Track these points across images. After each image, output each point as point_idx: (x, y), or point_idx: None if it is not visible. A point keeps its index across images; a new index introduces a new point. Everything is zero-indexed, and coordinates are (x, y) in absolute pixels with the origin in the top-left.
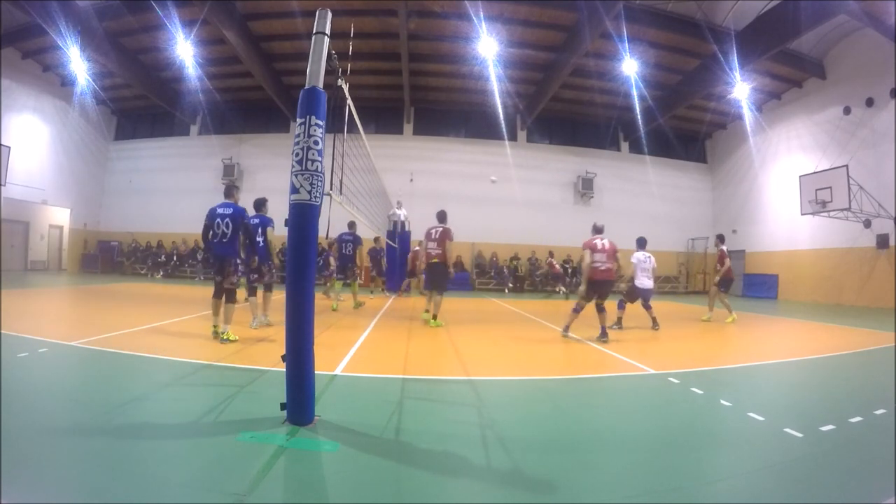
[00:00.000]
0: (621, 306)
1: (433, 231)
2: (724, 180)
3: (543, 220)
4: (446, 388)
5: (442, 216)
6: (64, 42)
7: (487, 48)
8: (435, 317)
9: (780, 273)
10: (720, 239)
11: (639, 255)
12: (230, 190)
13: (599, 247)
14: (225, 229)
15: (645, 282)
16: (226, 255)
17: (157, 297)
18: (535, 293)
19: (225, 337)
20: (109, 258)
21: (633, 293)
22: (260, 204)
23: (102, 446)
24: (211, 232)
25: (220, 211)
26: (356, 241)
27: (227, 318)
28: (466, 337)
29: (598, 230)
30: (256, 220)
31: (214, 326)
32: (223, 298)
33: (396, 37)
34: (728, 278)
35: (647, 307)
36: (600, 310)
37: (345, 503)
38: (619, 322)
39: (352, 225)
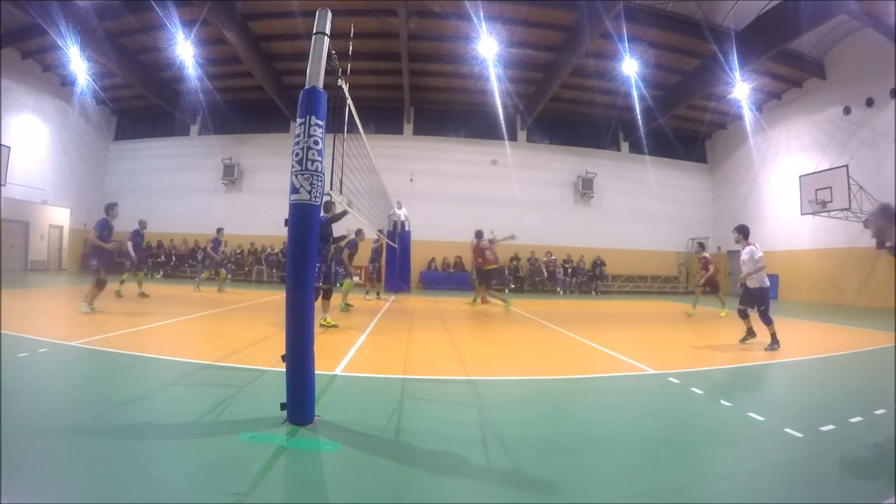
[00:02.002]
0: (768, 320)
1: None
2: (724, 180)
3: (543, 220)
4: (446, 388)
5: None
6: (64, 42)
7: (487, 48)
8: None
9: (780, 273)
10: (702, 246)
11: (755, 250)
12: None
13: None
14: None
15: (766, 280)
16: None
17: (157, 297)
18: (536, 293)
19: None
20: (109, 258)
21: (764, 297)
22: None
23: (102, 446)
24: None
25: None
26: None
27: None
28: (466, 337)
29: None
30: None
31: None
32: None
33: (396, 37)
34: (714, 281)
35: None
36: None
37: (345, 503)
38: (774, 339)
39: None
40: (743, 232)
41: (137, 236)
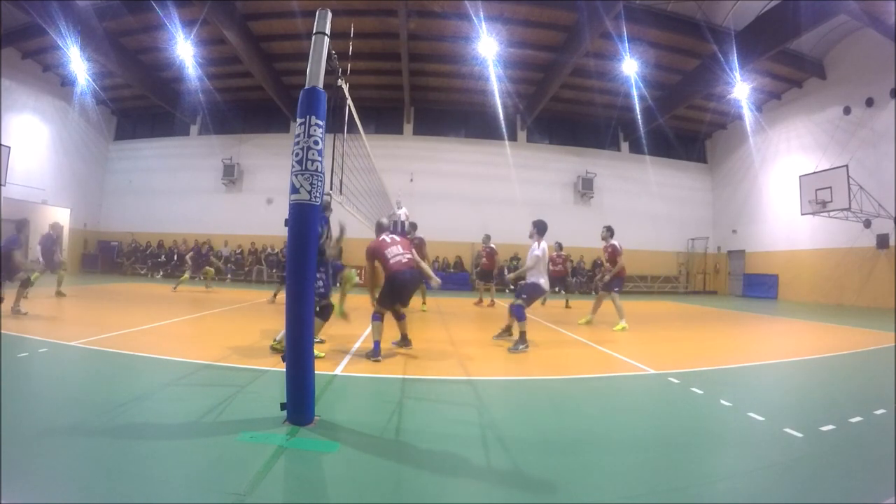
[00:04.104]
0: (521, 315)
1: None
2: (724, 180)
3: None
4: (446, 388)
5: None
6: (64, 42)
7: (487, 48)
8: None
9: (780, 273)
10: (610, 232)
11: (535, 248)
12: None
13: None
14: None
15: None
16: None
17: (157, 298)
18: None
19: None
20: (109, 258)
21: (529, 291)
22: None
23: (102, 446)
24: None
25: None
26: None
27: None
28: (466, 337)
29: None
30: None
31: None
32: None
33: (396, 37)
34: (620, 277)
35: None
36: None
37: (345, 503)
38: (523, 339)
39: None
40: (539, 228)
41: (48, 240)
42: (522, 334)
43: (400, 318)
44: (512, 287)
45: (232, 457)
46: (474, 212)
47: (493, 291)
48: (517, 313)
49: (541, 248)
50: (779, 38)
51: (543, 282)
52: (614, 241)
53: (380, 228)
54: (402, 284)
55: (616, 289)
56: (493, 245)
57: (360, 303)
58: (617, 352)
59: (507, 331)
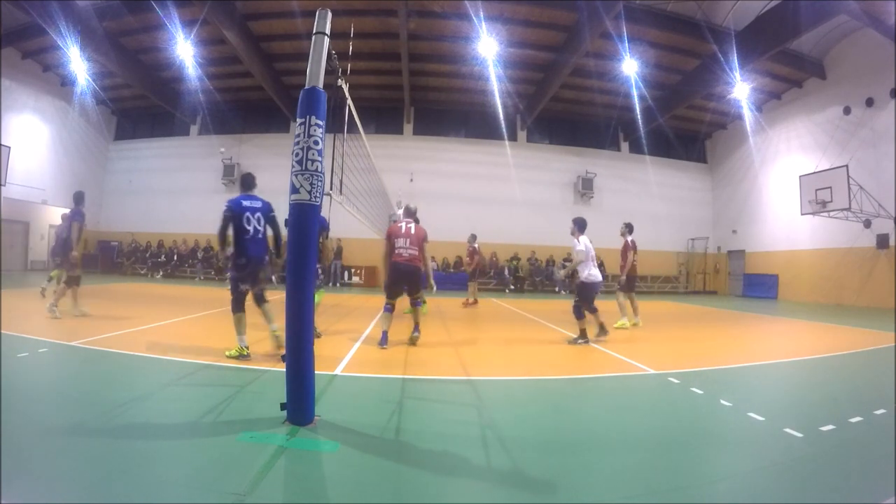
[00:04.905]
0: (580, 315)
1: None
2: (724, 180)
3: (543, 220)
4: (446, 388)
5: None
6: (64, 42)
7: (487, 48)
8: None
9: (780, 273)
10: (629, 228)
11: (577, 243)
12: (251, 180)
13: (403, 231)
14: (257, 225)
15: (591, 276)
16: (260, 255)
17: (157, 298)
18: (536, 293)
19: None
20: (109, 258)
21: (582, 292)
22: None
23: (102, 446)
24: (239, 229)
25: (246, 204)
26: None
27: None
28: (466, 337)
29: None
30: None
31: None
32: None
33: (396, 37)
34: (630, 276)
35: (594, 309)
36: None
37: (345, 503)
38: (583, 335)
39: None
40: (579, 224)
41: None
42: (582, 331)
43: (415, 304)
44: (512, 287)
45: (232, 457)
46: (474, 212)
47: (473, 290)
48: (574, 313)
49: (582, 243)
50: (779, 38)
51: (589, 274)
52: (628, 238)
53: (405, 213)
54: (393, 272)
55: (626, 288)
56: (476, 245)
57: (359, 303)
58: (617, 352)
59: (583, 336)
